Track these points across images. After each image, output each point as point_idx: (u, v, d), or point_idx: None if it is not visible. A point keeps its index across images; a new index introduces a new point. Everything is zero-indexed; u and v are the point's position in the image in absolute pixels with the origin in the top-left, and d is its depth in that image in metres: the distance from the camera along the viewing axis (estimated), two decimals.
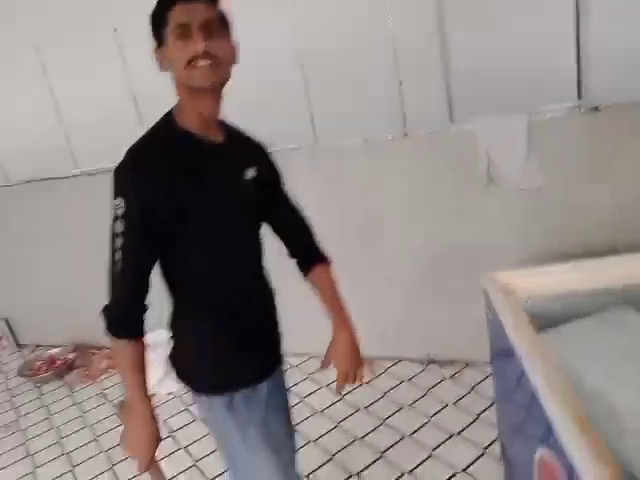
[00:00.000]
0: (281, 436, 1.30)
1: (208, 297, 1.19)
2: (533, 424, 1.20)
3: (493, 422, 2.12)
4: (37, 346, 3.85)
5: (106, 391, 3.09)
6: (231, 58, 1.09)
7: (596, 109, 2.04)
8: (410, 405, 2.43)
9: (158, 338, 3.03)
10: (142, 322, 1.13)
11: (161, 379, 2.91)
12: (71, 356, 3.46)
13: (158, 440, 1.18)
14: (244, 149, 1.23)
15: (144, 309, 1.13)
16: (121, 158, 1.07)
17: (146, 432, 1.15)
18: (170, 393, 2.90)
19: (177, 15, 1.03)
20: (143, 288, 1.11)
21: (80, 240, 3.35)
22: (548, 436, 1.05)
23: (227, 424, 1.22)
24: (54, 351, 3.53)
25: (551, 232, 2.24)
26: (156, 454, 1.18)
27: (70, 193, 3.29)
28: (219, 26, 1.07)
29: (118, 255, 1.06)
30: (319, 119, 2.55)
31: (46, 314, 3.70)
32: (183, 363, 1.25)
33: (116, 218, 1.05)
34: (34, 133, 3.32)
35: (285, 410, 1.37)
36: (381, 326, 2.73)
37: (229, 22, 1.10)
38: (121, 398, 1.21)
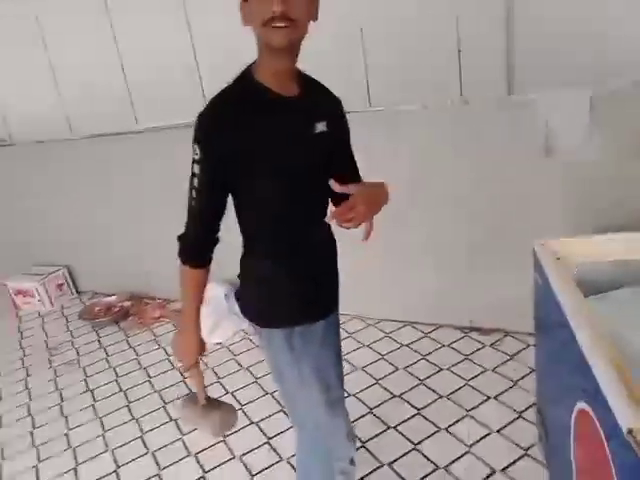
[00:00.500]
0: (332, 374, 1.41)
1: (274, 240, 1.29)
2: (574, 384, 1.25)
3: (530, 389, 2.19)
4: (95, 293, 4.09)
5: (158, 338, 3.29)
6: (308, 17, 1.13)
7: None
8: (448, 368, 2.50)
9: (210, 292, 3.21)
10: (209, 254, 1.28)
11: (210, 329, 3.07)
12: (127, 304, 3.68)
13: (202, 349, 1.36)
14: (318, 103, 1.28)
15: (213, 243, 1.27)
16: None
17: (191, 340, 1.34)
18: (218, 343, 3.06)
19: None
20: (213, 226, 1.25)
21: (135, 195, 3.54)
22: (589, 392, 1.11)
23: (284, 357, 1.33)
24: (111, 298, 3.76)
25: (604, 205, 2.22)
26: (199, 359, 1.37)
27: (129, 149, 3.43)
28: None
29: (194, 193, 1.19)
30: (377, 86, 2.60)
31: (104, 264, 3.92)
32: (249, 299, 1.37)
33: (194, 161, 1.16)
34: (97, 86, 3.48)
35: (337, 352, 1.47)
36: (423, 291, 2.79)
37: None
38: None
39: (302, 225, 1.30)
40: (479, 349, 2.60)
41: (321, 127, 1.25)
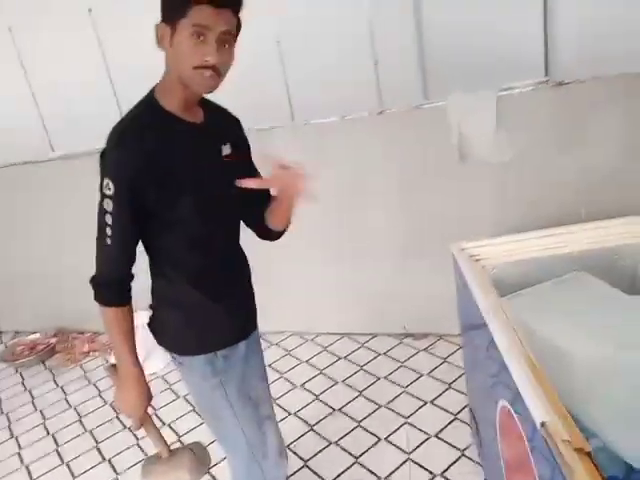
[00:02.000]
0: (259, 391, 1.40)
1: (190, 264, 1.25)
2: (496, 383, 1.29)
3: (463, 390, 2.24)
4: (17, 332, 3.85)
5: (88, 374, 3.13)
6: (230, 66, 1.12)
7: (561, 84, 2.12)
8: (386, 377, 2.52)
9: (138, 320, 3.10)
10: (129, 290, 1.22)
11: (143, 360, 2.96)
12: (52, 340, 3.48)
13: (149, 399, 1.28)
14: (221, 126, 1.28)
15: (130, 279, 1.22)
16: (104, 139, 1.12)
17: (137, 392, 1.25)
18: (153, 373, 2.95)
19: (200, 15, 1.02)
20: (130, 260, 1.20)
21: (52, 226, 3.37)
22: (508, 390, 1.15)
23: (208, 382, 1.30)
24: (35, 336, 3.55)
25: (522, 204, 2.32)
26: (149, 412, 1.28)
27: (47, 177, 3.27)
28: (234, 34, 1.10)
29: (109, 231, 1.13)
30: (298, 99, 2.62)
31: (24, 300, 3.71)
32: (166, 327, 1.32)
33: (105, 196, 1.11)
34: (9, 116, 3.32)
35: (261, 367, 1.46)
36: (358, 301, 2.82)
37: (241, 25, 1.13)
38: (112, 361, 1.28)
39: (217, 246, 1.28)
40: (414, 355, 2.65)
41: (226, 150, 1.26)
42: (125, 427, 2.54)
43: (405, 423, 2.20)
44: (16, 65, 3.21)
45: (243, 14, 1.12)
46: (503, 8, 2.26)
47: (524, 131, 2.22)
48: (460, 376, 2.38)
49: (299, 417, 2.37)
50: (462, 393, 2.25)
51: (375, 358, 2.69)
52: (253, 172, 1.38)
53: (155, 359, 2.98)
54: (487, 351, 1.33)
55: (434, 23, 2.39)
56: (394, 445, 2.10)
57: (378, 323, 2.87)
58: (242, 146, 1.34)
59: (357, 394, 2.44)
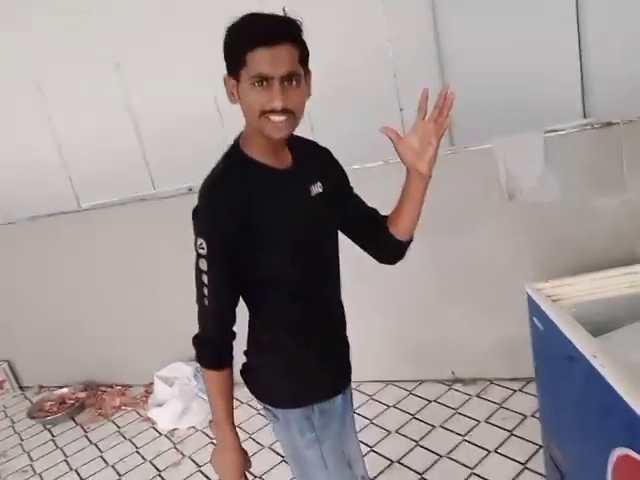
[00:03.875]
0: (353, 450, 1.32)
1: (288, 316, 1.21)
2: (608, 428, 1.23)
3: (527, 437, 2.16)
4: (41, 387, 3.75)
5: (122, 429, 3.01)
6: (304, 106, 1.08)
7: (606, 124, 2.14)
8: (441, 425, 2.43)
9: (176, 372, 3.02)
10: (230, 352, 1.18)
11: (181, 414, 2.86)
12: (81, 395, 3.37)
13: (244, 465, 1.22)
14: (310, 165, 1.22)
15: (231, 339, 1.18)
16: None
17: (231, 457, 1.20)
18: (191, 427, 2.84)
19: (259, 62, 0.98)
20: (230, 320, 1.16)
21: (77, 278, 3.33)
22: (633, 436, 1.08)
23: (304, 438, 1.24)
24: (63, 391, 3.44)
25: (567, 244, 2.30)
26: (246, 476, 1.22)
27: (72, 229, 3.26)
28: (300, 69, 1.03)
29: (206, 291, 1.10)
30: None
31: (49, 354, 3.61)
32: (262, 378, 1.26)
33: (200, 256, 1.08)
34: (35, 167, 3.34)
35: (353, 424, 1.39)
36: (402, 347, 2.75)
37: (308, 52, 1.07)
38: (210, 417, 1.22)
39: (316, 295, 1.23)
40: (467, 401, 2.56)
41: (316, 189, 1.20)
42: None
43: (472, 474, 2.10)
44: (44, 116, 3.26)
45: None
46: (537, 48, 2.31)
47: (568, 172, 2.23)
48: (521, 422, 2.30)
49: None
50: (527, 441, 2.17)
51: (426, 406, 2.60)
52: (350, 200, 1.32)
53: (194, 412, 2.88)
54: (591, 394, 1.27)
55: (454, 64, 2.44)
56: None
57: (423, 370, 2.79)
58: (334, 178, 1.28)
59: (414, 444, 2.34)
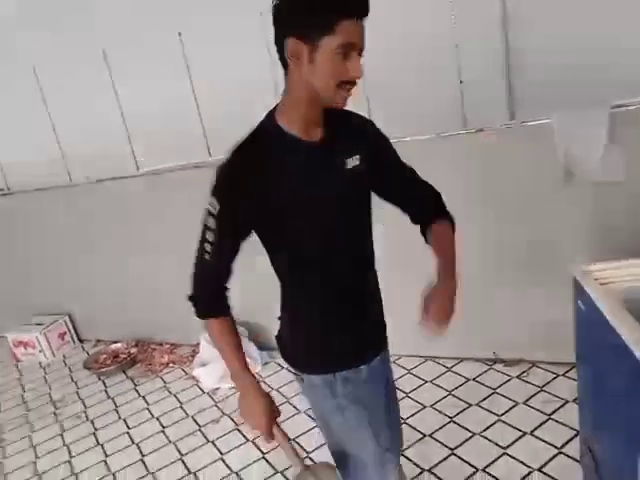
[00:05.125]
0: (381, 421, 1.31)
1: (307, 285, 1.22)
2: None
3: (567, 422, 2.11)
4: (98, 341, 3.97)
5: (168, 385, 3.16)
6: None
7: None
8: (478, 404, 2.40)
9: None
10: (227, 302, 1.22)
11: (223, 374, 2.96)
12: (133, 351, 3.55)
13: (275, 408, 1.23)
14: (345, 139, 1.19)
15: (227, 291, 1.22)
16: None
17: (260, 401, 1.21)
18: (232, 387, 2.95)
19: (351, 33, 0.99)
20: (227, 275, 1.20)
21: (138, 241, 3.46)
22: None
23: (326, 404, 1.26)
24: (117, 345, 3.64)
25: (623, 227, 2.18)
26: (278, 422, 1.24)
27: (132, 193, 3.38)
28: None
29: (208, 247, 1.13)
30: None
31: (107, 310, 3.82)
32: (289, 342, 1.30)
33: (210, 214, 1.11)
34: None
35: (387, 397, 1.37)
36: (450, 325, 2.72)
37: None
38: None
39: (339, 266, 1.21)
40: (506, 382, 2.51)
41: (353, 162, 1.18)
42: (208, 441, 2.54)
43: (504, 454, 2.07)
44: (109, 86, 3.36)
45: None
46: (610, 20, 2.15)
47: (635, 150, 2.10)
48: (561, 406, 2.24)
49: None
50: (565, 425, 2.12)
51: (464, 384, 2.57)
52: (395, 165, 1.30)
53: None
54: (631, 385, 1.22)
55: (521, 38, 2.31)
56: (493, 477, 1.98)
57: (464, 348, 2.75)
58: (375, 147, 1.24)
59: (448, 420, 2.34)
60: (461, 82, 2.46)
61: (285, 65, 1.07)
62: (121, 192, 3.41)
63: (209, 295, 1.20)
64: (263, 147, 1.11)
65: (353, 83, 1.04)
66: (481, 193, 2.44)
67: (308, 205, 1.12)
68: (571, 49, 2.19)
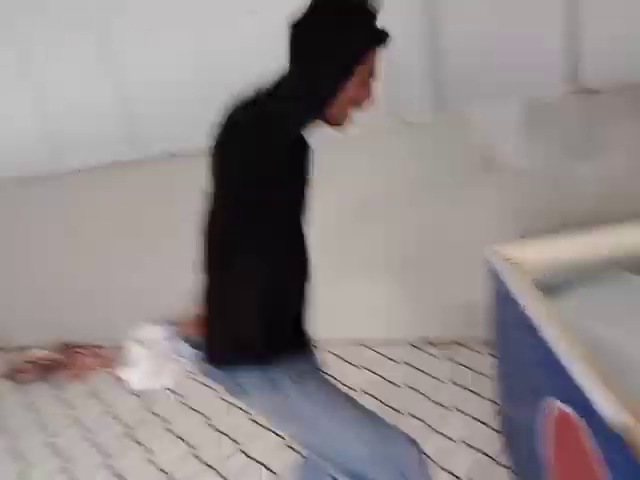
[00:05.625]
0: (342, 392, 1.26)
1: (279, 261, 1.19)
2: (547, 387, 1.24)
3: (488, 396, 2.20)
4: (19, 347, 3.75)
5: (95, 388, 3.04)
6: None
7: (590, 92, 2.10)
8: (407, 385, 2.46)
9: (149, 334, 3.01)
10: None
11: (152, 375, 2.87)
12: (56, 356, 3.38)
13: None
14: None
15: None
16: None
17: None
18: (163, 388, 2.86)
19: (374, 60, 1.07)
20: None
21: (62, 238, 3.30)
22: (567, 393, 1.09)
23: (295, 391, 1.18)
24: (38, 351, 3.44)
25: (545, 210, 2.29)
26: None
27: (53, 192, 3.21)
28: None
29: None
30: None
31: (27, 314, 3.61)
32: (238, 338, 1.23)
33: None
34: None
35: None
36: (375, 309, 2.77)
37: None
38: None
39: (301, 243, 1.23)
40: (434, 362, 2.59)
41: None
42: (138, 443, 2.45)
43: (434, 431, 2.13)
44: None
45: None
46: (522, 16, 2.22)
47: (547, 138, 2.20)
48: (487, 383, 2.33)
49: None
50: (490, 401, 2.21)
51: (393, 367, 2.63)
52: None
53: (165, 374, 2.88)
54: (537, 356, 1.28)
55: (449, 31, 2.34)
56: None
57: (394, 331, 2.82)
58: None
59: (379, 403, 2.38)
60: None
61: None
62: (42, 191, 3.22)
63: None
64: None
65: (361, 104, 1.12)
66: (405, 183, 2.49)
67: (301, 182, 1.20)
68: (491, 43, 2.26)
